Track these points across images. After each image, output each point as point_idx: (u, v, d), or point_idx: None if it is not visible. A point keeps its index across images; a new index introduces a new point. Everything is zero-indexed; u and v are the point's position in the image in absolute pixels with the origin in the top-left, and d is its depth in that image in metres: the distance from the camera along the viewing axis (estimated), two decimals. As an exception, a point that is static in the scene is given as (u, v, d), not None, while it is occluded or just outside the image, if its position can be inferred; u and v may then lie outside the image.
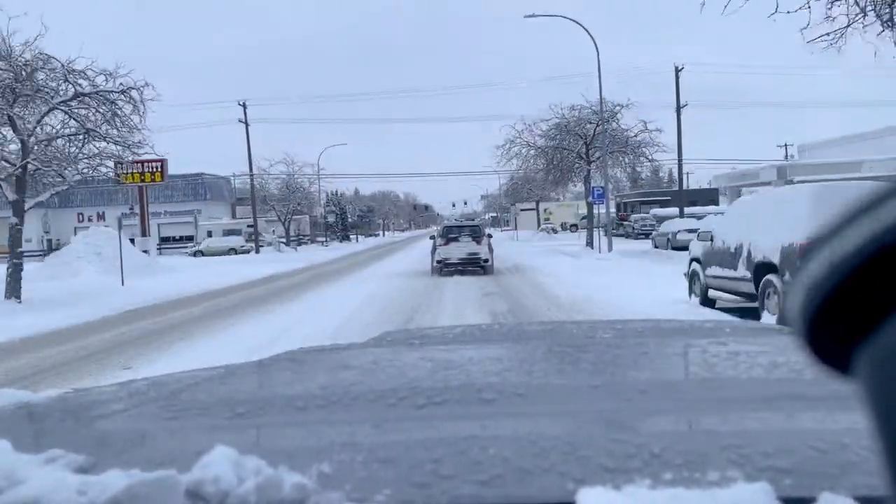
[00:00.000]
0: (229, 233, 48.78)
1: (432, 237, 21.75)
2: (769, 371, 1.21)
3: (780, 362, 1.24)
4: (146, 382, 1.42)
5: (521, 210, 64.68)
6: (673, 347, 1.55)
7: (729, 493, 0.61)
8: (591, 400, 1.08)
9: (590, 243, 29.20)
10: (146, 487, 0.64)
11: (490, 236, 21.19)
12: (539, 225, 60.41)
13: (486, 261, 19.52)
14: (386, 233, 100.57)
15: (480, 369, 1.32)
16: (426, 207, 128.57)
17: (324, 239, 59.42)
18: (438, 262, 19.60)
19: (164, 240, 50.63)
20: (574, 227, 60.93)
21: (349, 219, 74.32)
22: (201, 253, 41.82)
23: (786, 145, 63.10)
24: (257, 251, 39.93)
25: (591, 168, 29.68)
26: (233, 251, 41.95)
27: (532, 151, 31.86)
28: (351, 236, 70.26)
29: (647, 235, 41.97)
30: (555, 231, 58.23)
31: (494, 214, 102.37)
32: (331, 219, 64.92)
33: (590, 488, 0.61)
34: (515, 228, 64.57)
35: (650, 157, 31.09)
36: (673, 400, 1.04)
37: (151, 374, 1.61)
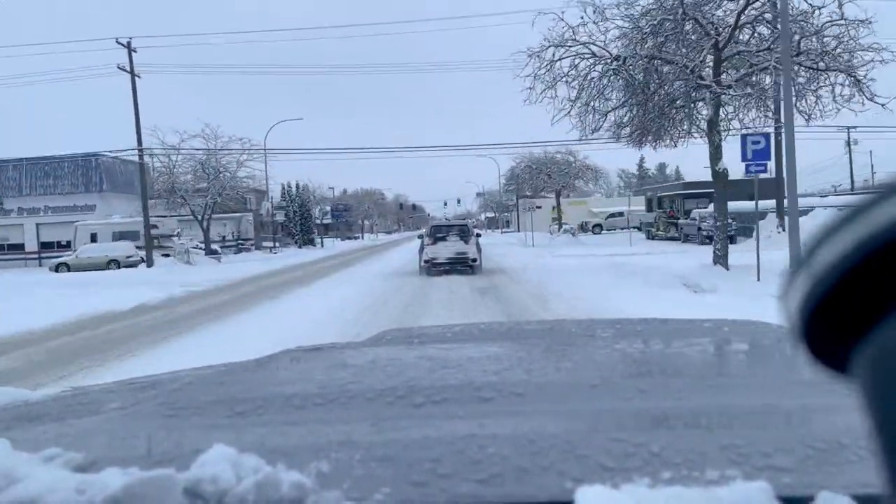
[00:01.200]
0: (122, 236, 33.53)
1: (420, 237, 21.74)
2: (768, 370, 1.21)
3: (778, 362, 1.25)
4: (145, 381, 1.42)
5: (524, 206, 47.53)
6: (672, 346, 1.55)
7: (728, 492, 0.61)
8: (589, 399, 1.08)
9: (721, 257, 14.37)
10: (144, 486, 0.64)
11: (479, 235, 21.13)
12: (559, 226, 42.88)
13: (475, 260, 19.46)
14: (369, 235, 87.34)
15: (479, 368, 1.32)
16: (414, 207, 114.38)
17: (272, 244, 45.58)
18: (426, 261, 19.51)
19: (44, 245, 38.95)
20: (597, 228, 48.68)
21: (315, 219, 59.30)
22: (66, 267, 30.09)
23: (847, 130, 40.55)
24: (149, 263, 28.48)
25: (723, 98, 13.96)
26: (114, 263, 29.90)
27: (599, 66, 14.55)
28: (316, 240, 56.69)
29: (711, 239, 27.30)
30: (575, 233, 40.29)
31: (492, 214, 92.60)
32: (280, 217, 50.84)
33: (588, 487, 0.61)
34: (520, 230, 49.86)
35: (862, 79, 13.12)
36: (672, 399, 1.04)
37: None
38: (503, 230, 75.10)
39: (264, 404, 1.09)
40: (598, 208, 57.36)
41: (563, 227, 41.51)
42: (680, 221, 34.40)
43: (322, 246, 54.45)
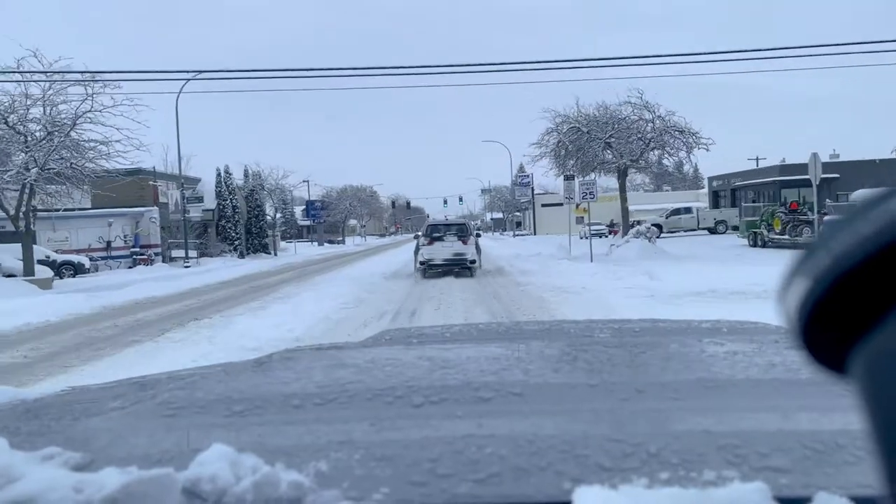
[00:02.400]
0: None
1: (416, 237, 21.16)
2: (766, 371, 1.22)
3: (776, 362, 1.25)
4: (143, 380, 1.42)
5: (542, 203, 32.21)
6: (670, 347, 1.55)
7: (725, 493, 0.61)
8: (588, 399, 1.08)
9: None
10: (143, 485, 0.64)
11: (479, 235, 20.40)
12: (626, 225, 26.27)
13: (473, 262, 18.75)
14: (357, 238, 73.76)
15: (478, 368, 1.32)
16: (408, 206, 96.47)
17: (185, 253, 31.08)
18: (422, 263, 18.84)
19: None
20: (658, 229, 26.88)
21: (268, 216, 43.95)
22: None
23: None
24: None
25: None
26: None
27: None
28: (272, 245, 43.09)
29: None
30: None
31: (499, 215, 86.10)
32: (195, 215, 34.45)
33: (587, 487, 0.61)
34: (536, 231, 39.27)
35: None
36: (670, 399, 1.04)
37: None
38: (515, 232, 62.96)
39: (263, 404, 1.09)
40: (633, 206, 43.37)
41: (639, 226, 24.59)
42: (802, 217, 23.17)
43: (275, 254, 40.85)
